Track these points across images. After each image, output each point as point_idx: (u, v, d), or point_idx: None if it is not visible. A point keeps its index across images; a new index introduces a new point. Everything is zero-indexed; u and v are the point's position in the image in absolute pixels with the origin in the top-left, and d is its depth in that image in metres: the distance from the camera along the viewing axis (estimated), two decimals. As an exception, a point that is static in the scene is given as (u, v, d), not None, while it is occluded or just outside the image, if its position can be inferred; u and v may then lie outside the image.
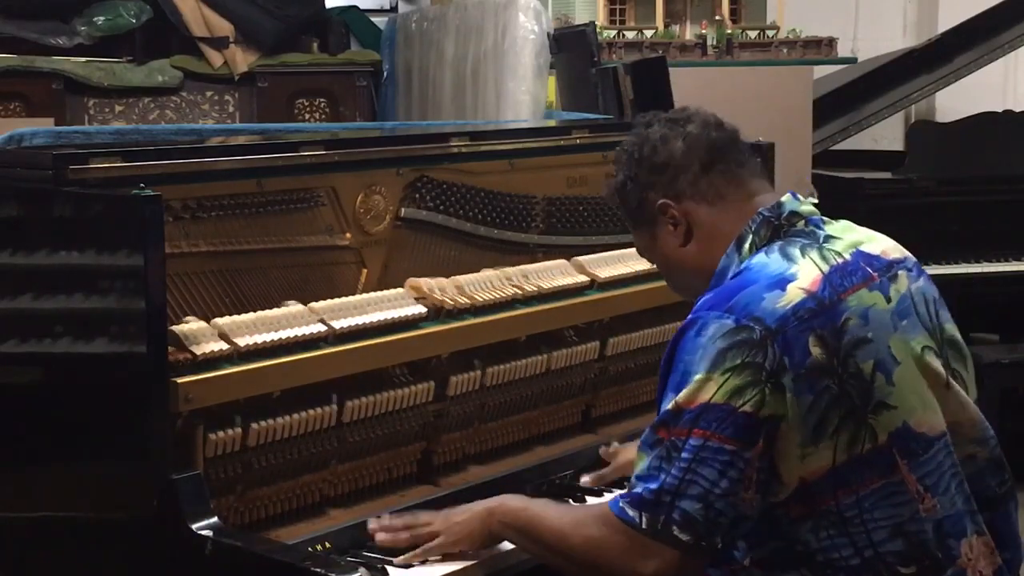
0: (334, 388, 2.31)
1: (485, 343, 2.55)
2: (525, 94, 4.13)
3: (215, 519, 2.04)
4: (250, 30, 5.12)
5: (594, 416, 2.87)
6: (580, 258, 2.84)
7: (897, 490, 1.95)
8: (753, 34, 5.02)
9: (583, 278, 2.78)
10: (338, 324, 2.31)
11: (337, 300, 2.37)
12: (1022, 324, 5.25)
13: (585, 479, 2.55)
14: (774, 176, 2.97)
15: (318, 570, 1.92)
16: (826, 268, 1.99)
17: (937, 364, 2.03)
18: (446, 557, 2.17)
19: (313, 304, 2.33)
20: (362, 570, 1.94)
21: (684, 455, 1.91)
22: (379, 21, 5.57)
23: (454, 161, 2.73)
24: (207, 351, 2.12)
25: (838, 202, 4.45)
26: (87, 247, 2.14)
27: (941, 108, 6.48)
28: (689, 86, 3.93)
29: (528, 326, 2.63)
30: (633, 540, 1.94)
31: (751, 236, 2.06)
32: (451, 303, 2.49)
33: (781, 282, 1.95)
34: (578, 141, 3.02)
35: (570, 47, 4.10)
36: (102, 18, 4.99)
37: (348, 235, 2.53)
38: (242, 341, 2.17)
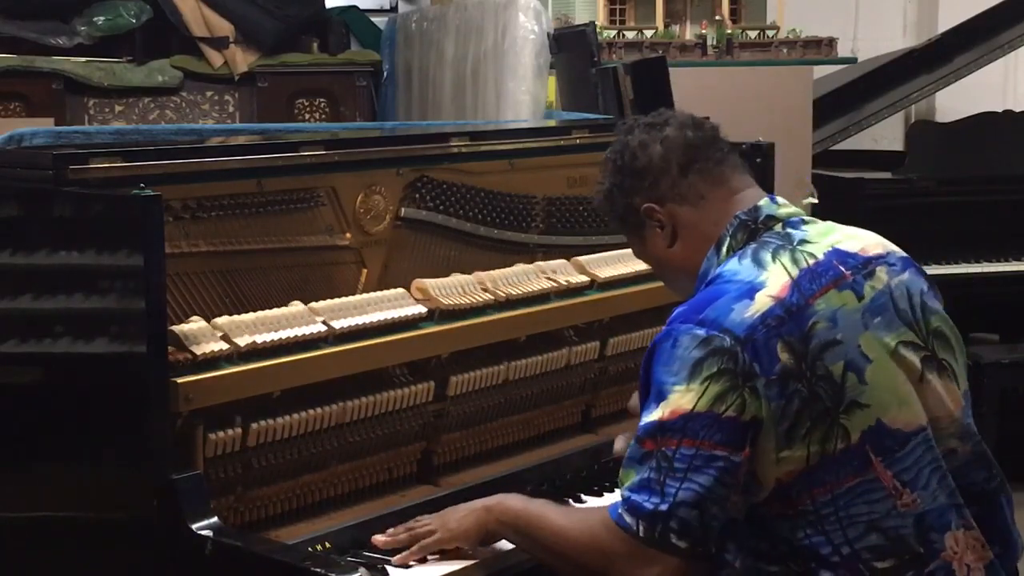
0: (334, 388, 2.31)
1: (485, 343, 2.55)
2: (525, 94, 4.13)
3: (215, 519, 2.04)
4: (250, 30, 5.12)
5: (594, 416, 2.87)
6: (580, 258, 2.84)
7: (872, 487, 1.96)
8: (753, 34, 5.02)
9: (583, 278, 2.78)
10: (338, 324, 2.31)
11: (337, 300, 2.37)
12: (1022, 324, 5.26)
13: (618, 445, 2.48)
14: (774, 176, 2.97)
15: (318, 570, 1.92)
16: (796, 272, 2.00)
17: (913, 358, 2.03)
18: (443, 555, 2.17)
19: (313, 304, 2.33)
20: (362, 570, 1.94)
21: (678, 464, 1.93)
22: (379, 21, 5.57)
23: (454, 161, 2.73)
24: (207, 351, 2.12)
25: (838, 202, 4.46)
26: (87, 247, 2.14)
27: (941, 108, 6.48)
28: (689, 86, 3.93)
29: (528, 326, 2.63)
30: (632, 547, 1.95)
31: (728, 239, 2.09)
32: (452, 304, 2.49)
33: (750, 291, 1.98)
34: (578, 141, 3.02)
35: (570, 47, 4.10)
36: (102, 18, 5.00)
37: (348, 235, 2.53)
38: (242, 341, 2.17)
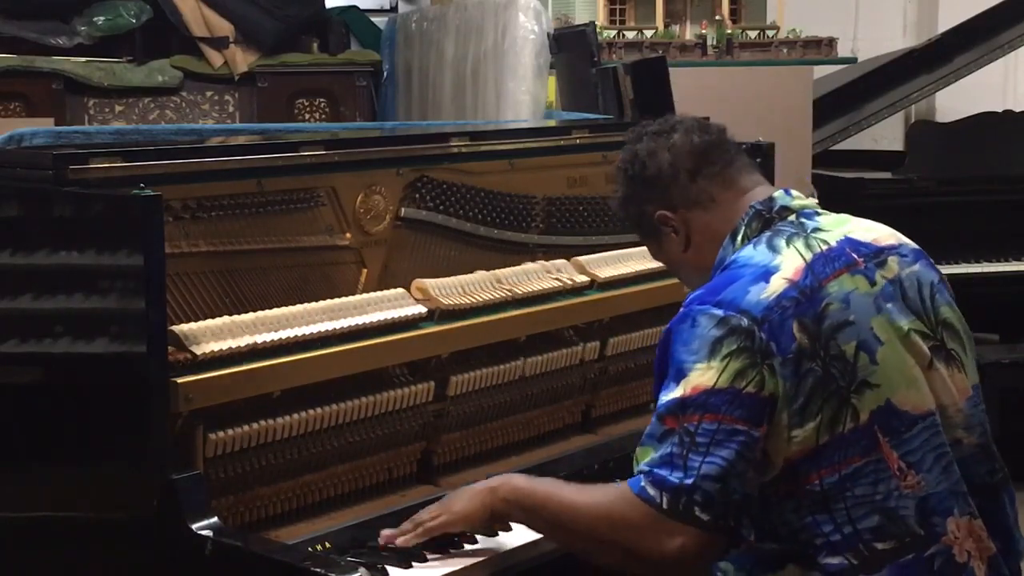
0: (334, 388, 2.31)
1: (485, 343, 2.55)
2: (525, 94, 4.13)
3: (215, 519, 2.04)
4: (250, 30, 5.12)
5: (594, 416, 2.87)
6: (580, 258, 2.84)
7: (878, 467, 1.98)
8: (753, 34, 5.01)
9: (583, 278, 2.78)
10: (338, 324, 2.31)
11: (337, 300, 2.37)
12: (1022, 324, 5.25)
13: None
14: (774, 176, 2.97)
15: (318, 570, 1.92)
16: (809, 256, 2.04)
17: (923, 345, 2.06)
18: (442, 551, 2.18)
19: (313, 304, 2.33)
20: (362, 570, 1.94)
21: (700, 439, 1.95)
22: (379, 21, 5.57)
23: (454, 161, 2.73)
24: (207, 351, 2.12)
25: (838, 202, 4.45)
26: (87, 247, 2.14)
27: (941, 108, 6.48)
28: (689, 86, 3.93)
29: (528, 326, 2.63)
30: (654, 519, 1.97)
31: (743, 228, 2.13)
32: (452, 304, 2.49)
33: (765, 274, 2.02)
34: (578, 141, 3.02)
35: (570, 47, 4.10)
36: (102, 18, 5.00)
37: (348, 235, 2.53)
38: (242, 341, 2.17)
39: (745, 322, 1.96)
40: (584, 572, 2.35)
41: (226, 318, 2.20)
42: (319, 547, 2.16)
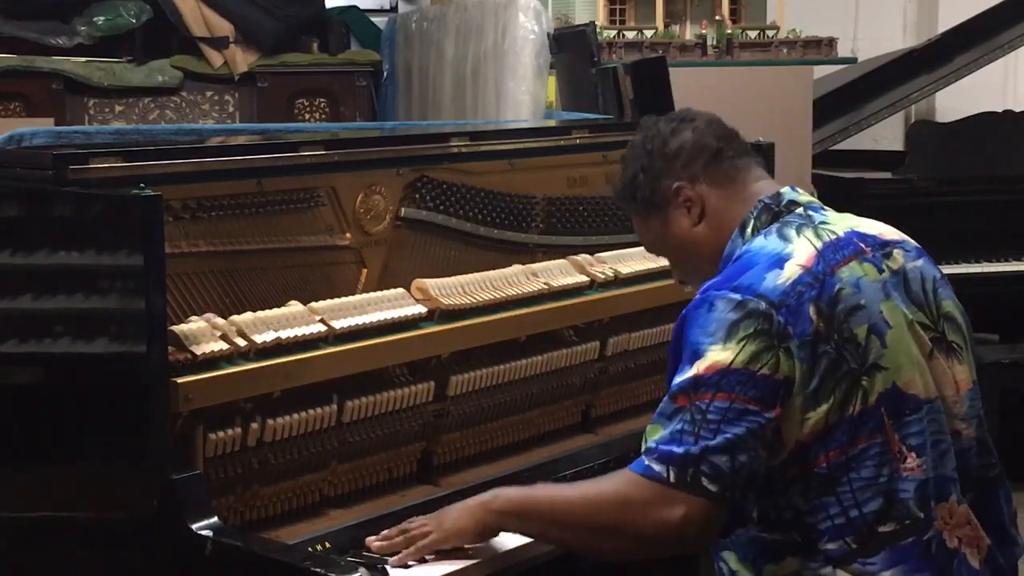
0: (334, 388, 2.31)
1: (485, 343, 2.55)
2: (525, 94, 4.12)
3: (215, 519, 2.04)
4: (250, 30, 5.12)
5: (594, 416, 2.87)
6: (580, 258, 2.84)
7: (882, 450, 2.01)
8: (753, 34, 5.01)
9: (583, 278, 2.78)
10: (338, 324, 2.31)
11: (337, 300, 2.37)
12: (1022, 324, 5.25)
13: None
14: (774, 176, 2.96)
15: (318, 570, 1.92)
16: (820, 244, 2.08)
17: (924, 336, 2.10)
18: (440, 554, 2.17)
19: (313, 304, 2.33)
20: (362, 570, 1.94)
21: (711, 416, 1.96)
22: (379, 21, 5.57)
23: (454, 161, 2.73)
24: (207, 351, 2.12)
25: (838, 202, 4.44)
26: (87, 247, 2.14)
27: (941, 108, 6.48)
28: (689, 86, 3.92)
29: (528, 326, 2.63)
30: (658, 491, 1.97)
31: (753, 221, 2.16)
32: (452, 304, 2.49)
33: (779, 261, 2.05)
34: (578, 141, 3.02)
35: (570, 47, 4.09)
36: (102, 18, 4.99)
37: (348, 235, 2.53)
38: (242, 341, 2.17)
39: (763, 305, 1.99)
40: (584, 572, 2.36)
41: (226, 318, 2.20)
42: (319, 547, 2.16)
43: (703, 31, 4.97)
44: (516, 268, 2.70)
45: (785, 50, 4.97)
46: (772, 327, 1.98)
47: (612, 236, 3.00)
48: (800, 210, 2.16)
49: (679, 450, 1.96)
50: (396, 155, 2.65)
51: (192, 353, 2.10)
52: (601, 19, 5.00)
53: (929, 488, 2.03)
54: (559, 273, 2.75)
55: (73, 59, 4.92)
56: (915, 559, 2.00)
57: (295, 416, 2.24)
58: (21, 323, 2.24)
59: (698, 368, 1.99)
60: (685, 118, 2.26)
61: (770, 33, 5.01)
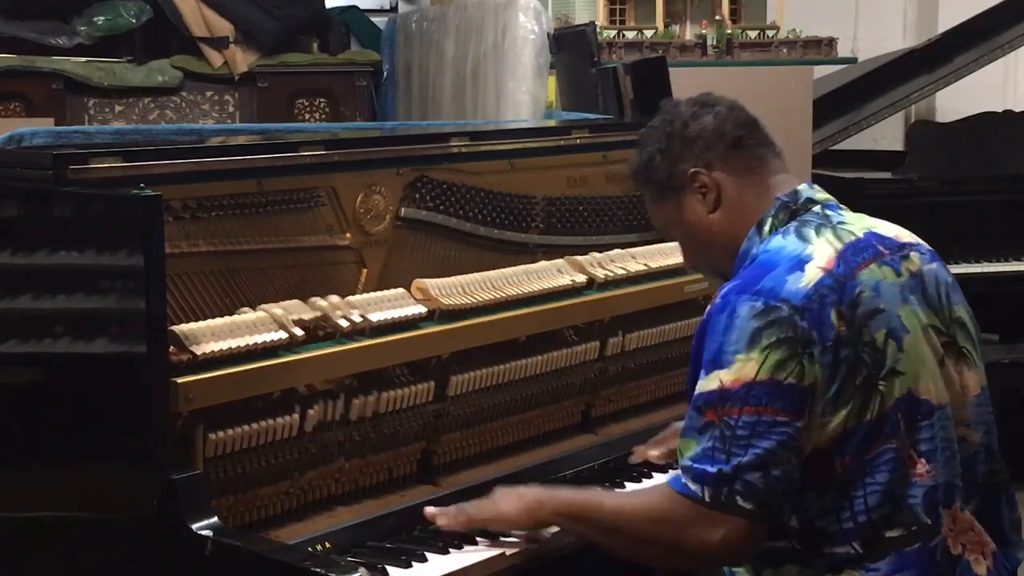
0: (334, 388, 2.30)
1: (485, 343, 2.55)
2: (525, 94, 4.12)
3: (215, 519, 2.04)
4: (250, 30, 5.12)
5: (594, 416, 2.87)
6: (580, 258, 2.84)
7: (897, 455, 2.01)
8: (753, 34, 5.01)
9: (583, 278, 2.78)
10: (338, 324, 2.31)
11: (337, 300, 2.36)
12: (1022, 324, 5.25)
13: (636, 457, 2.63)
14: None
15: (318, 570, 1.92)
16: (840, 246, 2.07)
17: (936, 341, 2.10)
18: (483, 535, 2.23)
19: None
20: (362, 570, 1.94)
21: (740, 432, 1.96)
22: (379, 21, 5.57)
23: (454, 161, 2.73)
24: (207, 351, 2.12)
25: (838, 202, 4.45)
26: (87, 247, 2.14)
27: (941, 108, 6.48)
28: (689, 86, 3.89)
29: (528, 326, 2.63)
30: (698, 512, 1.98)
31: (770, 219, 2.15)
32: (452, 304, 2.49)
33: (799, 263, 2.04)
34: (578, 141, 3.02)
35: (570, 47, 4.09)
36: (102, 18, 5.00)
37: (348, 235, 2.53)
38: (242, 341, 2.17)
39: (785, 310, 1.98)
40: (584, 572, 2.35)
41: (226, 318, 2.20)
42: (319, 547, 2.16)
43: (703, 31, 4.97)
44: (516, 268, 2.70)
45: (785, 50, 4.97)
46: (796, 334, 1.97)
47: (612, 236, 3.00)
48: (818, 208, 2.15)
49: (712, 469, 1.97)
50: (396, 155, 2.64)
51: (192, 353, 2.10)
52: (601, 19, 5.00)
53: (937, 494, 2.03)
54: (559, 273, 2.75)
55: (73, 59, 4.92)
56: (920, 565, 2.00)
57: (295, 416, 2.23)
58: (21, 323, 2.24)
59: (724, 380, 1.98)
60: (707, 103, 2.23)
61: (770, 33, 5.01)
